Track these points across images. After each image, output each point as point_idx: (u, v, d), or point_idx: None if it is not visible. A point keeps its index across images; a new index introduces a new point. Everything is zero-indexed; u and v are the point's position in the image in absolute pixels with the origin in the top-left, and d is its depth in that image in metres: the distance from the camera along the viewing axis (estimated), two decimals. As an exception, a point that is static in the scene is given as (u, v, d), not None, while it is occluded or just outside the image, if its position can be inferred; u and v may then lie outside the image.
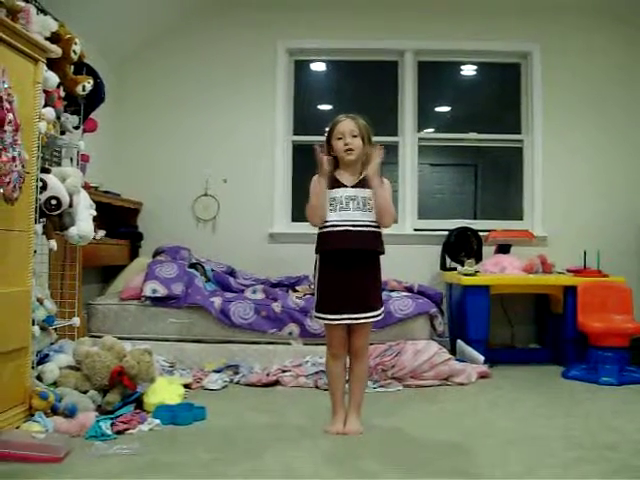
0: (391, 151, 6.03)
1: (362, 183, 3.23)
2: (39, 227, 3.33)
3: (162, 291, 4.74)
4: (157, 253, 5.38)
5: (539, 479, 2.59)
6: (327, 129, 3.33)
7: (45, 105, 3.45)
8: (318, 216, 3.22)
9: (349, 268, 3.19)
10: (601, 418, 3.55)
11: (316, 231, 3.30)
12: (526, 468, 2.71)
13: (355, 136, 3.24)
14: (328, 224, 3.21)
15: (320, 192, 3.21)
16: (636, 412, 3.70)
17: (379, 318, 3.29)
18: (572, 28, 5.87)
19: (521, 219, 5.99)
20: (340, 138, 3.24)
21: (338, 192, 3.21)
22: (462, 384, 4.38)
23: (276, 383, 4.30)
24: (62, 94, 3.78)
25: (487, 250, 5.60)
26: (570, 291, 4.95)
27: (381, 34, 5.90)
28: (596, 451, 2.94)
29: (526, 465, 2.74)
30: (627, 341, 4.57)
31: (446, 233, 5.63)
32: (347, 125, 3.25)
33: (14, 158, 2.85)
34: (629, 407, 3.82)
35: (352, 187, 3.23)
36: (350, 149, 3.22)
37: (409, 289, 5.12)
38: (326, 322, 3.25)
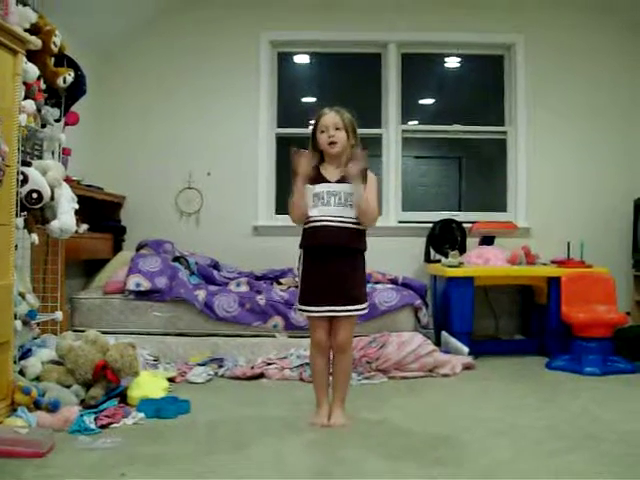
0: (375, 143, 6.03)
1: (346, 178, 3.21)
2: (20, 221, 3.29)
3: (146, 285, 4.72)
4: (140, 247, 5.36)
5: (524, 469, 2.60)
6: (312, 122, 3.32)
7: (25, 97, 3.41)
8: (297, 215, 3.23)
9: (331, 262, 3.18)
10: (585, 408, 3.57)
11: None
12: (510, 457, 2.72)
13: (339, 129, 3.23)
14: (310, 220, 3.21)
15: (299, 192, 3.20)
16: (619, 402, 3.73)
17: (362, 312, 3.28)
18: (556, 20, 5.88)
19: (505, 211, 6.00)
20: (324, 131, 3.24)
21: (321, 187, 3.21)
22: (447, 375, 4.39)
23: (261, 376, 4.29)
24: (43, 86, 3.73)
25: (471, 242, 5.62)
26: (554, 282, 4.96)
27: (365, 26, 5.88)
28: (579, 440, 2.96)
29: (510, 454, 2.76)
30: (610, 331, 4.59)
31: (430, 225, 5.64)
32: (331, 118, 3.24)
33: (-6, 151, 2.83)
34: (612, 397, 3.84)
35: (335, 182, 3.22)
36: (333, 142, 3.22)
37: (393, 281, 5.13)
38: (308, 314, 3.25)
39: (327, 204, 3.19)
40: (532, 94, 5.89)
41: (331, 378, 3.34)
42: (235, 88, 5.92)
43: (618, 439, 2.98)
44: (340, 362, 3.31)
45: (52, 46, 3.69)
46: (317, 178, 3.23)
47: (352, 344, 3.40)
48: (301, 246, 3.31)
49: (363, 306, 3.27)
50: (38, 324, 3.73)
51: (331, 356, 3.34)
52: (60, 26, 3.80)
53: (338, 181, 3.22)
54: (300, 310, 3.31)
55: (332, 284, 3.18)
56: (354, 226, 3.21)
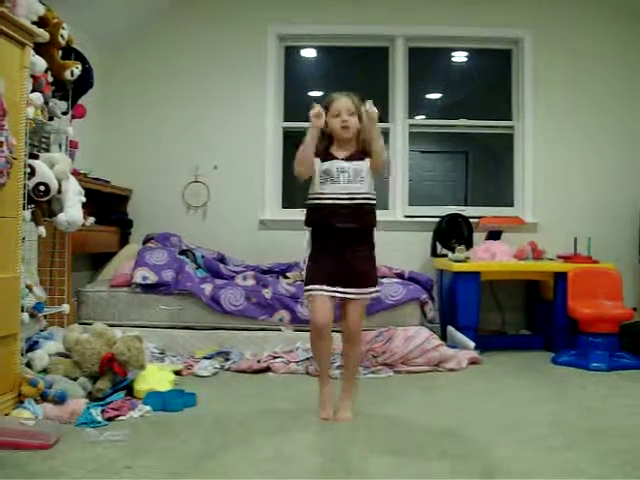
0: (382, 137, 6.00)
1: (354, 156, 3.22)
2: (27, 213, 3.30)
3: (152, 278, 4.73)
4: (147, 240, 5.37)
5: (529, 463, 2.60)
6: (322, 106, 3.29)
7: (33, 90, 3.41)
8: (304, 165, 3.19)
9: (340, 242, 3.15)
10: (591, 403, 3.57)
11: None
12: (515, 452, 2.72)
13: (352, 114, 3.22)
14: (319, 196, 3.20)
15: (310, 142, 3.18)
16: (625, 397, 3.72)
17: (373, 295, 3.23)
18: (564, 15, 5.85)
19: (512, 205, 5.99)
20: (337, 115, 3.23)
21: (330, 164, 3.19)
22: (453, 370, 4.40)
23: (267, 369, 4.30)
24: (50, 79, 3.73)
25: (478, 237, 5.61)
26: (560, 277, 4.96)
27: (372, 20, 5.86)
28: (585, 435, 2.95)
29: (515, 449, 2.76)
30: (617, 327, 4.59)
31: (437, 220, 5.63)
32: (344, 103, 3.23)
33: (1, 143, 2.83)
34: (618, 392, 3.84)
35: (344, 159, 3.21)
36: (347, 126, 3.21)
37: (400, 275, 5.13)
38: (315, 293, 3.16)
39: (336, 182, 3.17)
40: (539, 89, 5.86)
41: (336, 371, 3.34)
42: (242, 82, 5.91)
43: (624, 434, 2.97)
44: (350, 354, 3.28)
45: (60, 39, 3.69)
46: (326, 156, 3.22)
47: (362, 335, 3.34)
48: (308, 224, 3.27)
49: (374, 289, 3.23)
50: (45, 316, 3.74)
51: (333, 347, 3.33)
52: (67, 19, 3.79)
53: (346, 159, 3.22)
54: (307, 291, 3.19)
55: (342, 265, 3.14)
56: (364, 202, 3.19)
